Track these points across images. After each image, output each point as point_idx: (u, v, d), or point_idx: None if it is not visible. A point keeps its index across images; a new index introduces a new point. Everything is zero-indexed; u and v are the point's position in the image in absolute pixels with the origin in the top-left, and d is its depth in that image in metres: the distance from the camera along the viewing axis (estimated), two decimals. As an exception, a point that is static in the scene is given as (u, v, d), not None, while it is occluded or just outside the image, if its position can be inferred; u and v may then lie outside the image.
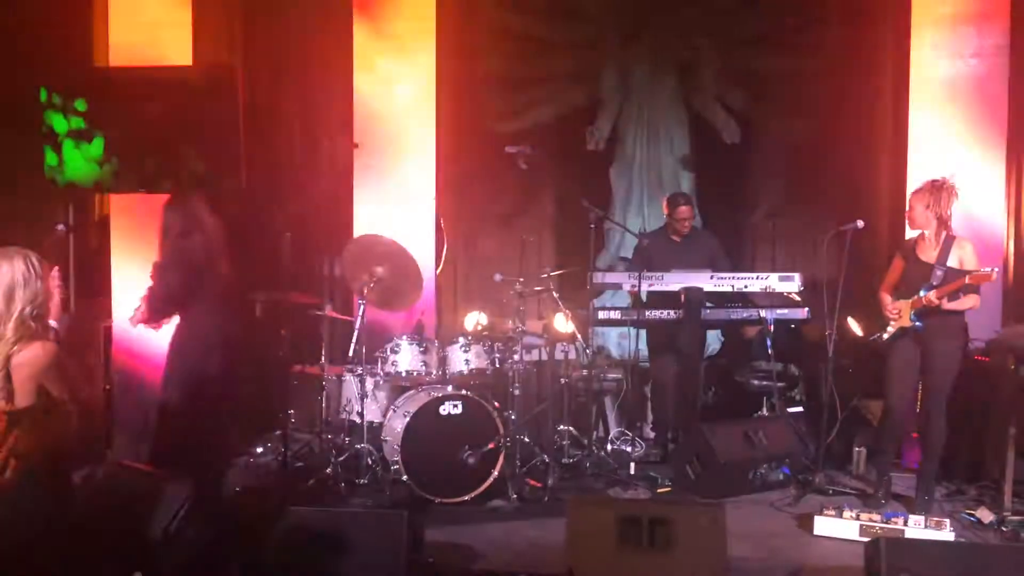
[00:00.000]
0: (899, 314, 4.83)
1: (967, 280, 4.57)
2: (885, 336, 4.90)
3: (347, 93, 6.64)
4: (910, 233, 5.12)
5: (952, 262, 4.71)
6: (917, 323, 4.74)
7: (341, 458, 5.29)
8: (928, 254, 4.79)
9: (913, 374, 4.88)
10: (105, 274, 5.94)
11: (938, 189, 4.75)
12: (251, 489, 5.19)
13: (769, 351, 5.65)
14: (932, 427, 4.82)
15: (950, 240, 4.74)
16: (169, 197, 4.60)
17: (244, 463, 5.76)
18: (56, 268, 3.49)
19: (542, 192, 7.43)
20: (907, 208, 4.88)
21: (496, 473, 5.05)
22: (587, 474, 5.45)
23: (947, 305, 4.66)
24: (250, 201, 6.69)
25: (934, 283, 4.69)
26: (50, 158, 5.73)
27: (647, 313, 5.77)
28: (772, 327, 5.67)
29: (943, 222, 4.76)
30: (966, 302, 4.70)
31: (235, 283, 4.55)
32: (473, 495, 5.00)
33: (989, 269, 4.60)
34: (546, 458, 5.36)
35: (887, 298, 4.92)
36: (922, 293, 4.70)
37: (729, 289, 5.73)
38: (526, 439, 5.44)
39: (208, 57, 6.38)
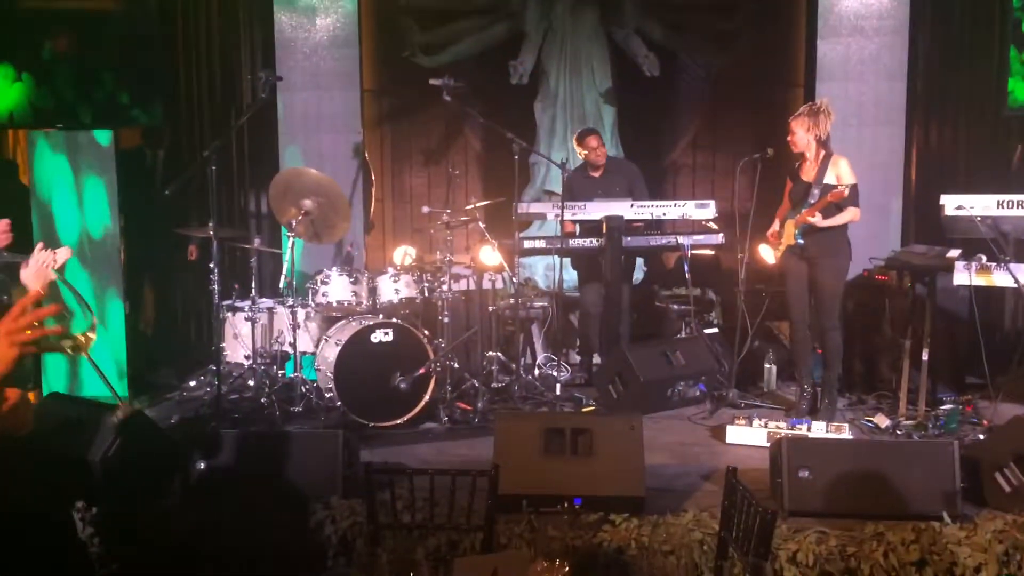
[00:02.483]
0: (785, 234, 5.10)
1: (828, 198, 4.84)
2: (775, 258, 5.17)
3: (267, 25, 6.59)
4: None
5: (829, 179, 4.95)
6: (799, 240, 5.01)
7: (275, 388, 5.41)
8: (809, 174, 5.04)
9: (806, 292, 5.15)
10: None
11: (815, 112, 4.97)
12: (186, 420, 5.28)
13: (687, 276, 5.90)
14: (827, 340, 5.13)
15: (827, 159, 4.99)
16: None
17: (178, 397, 5.84)
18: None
19: (468, 127, 7.51)
20: (789, 136, 5.03)
21: (427, 398, 5.23)
22: (515, 397, 5.66)
23: (821, 222, 4.92)
24: (172, 135, 6.65)
25: (811, 201, 4.95)
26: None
27: (570, 242, 5.96)
28: (689, 253, 5.91)
29: (821, 143, 4.99)
30: (842, 217, 4.95)
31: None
32: (405, 419, 5.18)
33: (842, 186, 4.87)
34: (475, 383, 5.55)
35: (776, 223, 5.19)
36: (801, 210, 4.98)
37: (648, 216, 5.95)
38: (456, 365, 5.62)
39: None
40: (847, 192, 4.84)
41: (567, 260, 6.32)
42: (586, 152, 6.13)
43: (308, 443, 4.13)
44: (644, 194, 6.19)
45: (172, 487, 4.06)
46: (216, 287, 5.38)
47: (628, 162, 6.46)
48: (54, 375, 5.98)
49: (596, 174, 6.18)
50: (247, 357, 5.60)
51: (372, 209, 7.05)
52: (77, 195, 5.95)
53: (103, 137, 5.96)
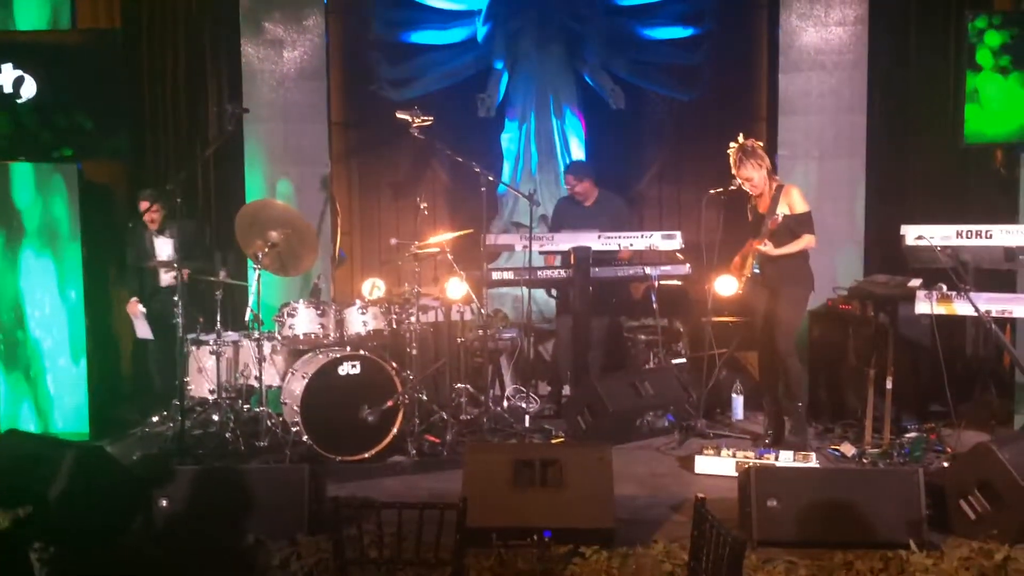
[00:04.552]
0: (745, 266, 5.15)
1: (770, 226, 4.92)
2: (739, 288, 5.21)
3: (234, 57, 6.59)
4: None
5: (782, 209, 5.01)
6: (756, 270, 5.06)
7: (240, 422, 5.33)
8: (764, 206, 5.11)
9: (768, 321, 5.18)
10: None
11: (752, 151, 5.02)
12: (149, 456, 5.18)
13: (654, 307, 5.93)
14: (786, 368, 5.16)
15: (779, 190, 5.08)
16: None
17: (140, 433, 5.73)
18: None
19: (436, 159, 7.53)
20: (745, 182, 5.02)
21: (395, 430, 5.19)
22: (484, 429, 5.63)
23: (774, 251, 4.98)
24: (138, 167, 6.60)
25: (768, 231, 5.01)
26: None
27: (538, 273, 5.98)
28: (657, 284, 5.95)
29: (771, 175, 5.09)
30: (796, 244, 5.01)
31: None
32: (373, 452, 5.13)
33: (800, 209, 4.98)
34: (444, 415, 5.52)
35: (738, 258, 5.24)
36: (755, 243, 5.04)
37: (615, 247, 5.99)
38: (424, 397, 5.59)
39: (87, 22, 6.26)
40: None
41: (543, 291, 6.35)
42: (568, 187, 6.23)
43: (273, 478, 4.08)
44: (628, 228, 6.25)
45: (133, 525, 3.97)
46: (180, 320, 5.33)
47: (614, 196, 6.51)
48: (14, 412, 5.87)
49: (587, 203, 6.26)
50: (212, 391, 5.52)
51: (339, 242, 7.02)
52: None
53: (67, 168, 5.90)
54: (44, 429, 5.87)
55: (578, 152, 7.38)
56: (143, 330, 5.95)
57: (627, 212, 6.49)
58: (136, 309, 5.92)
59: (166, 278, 5.96)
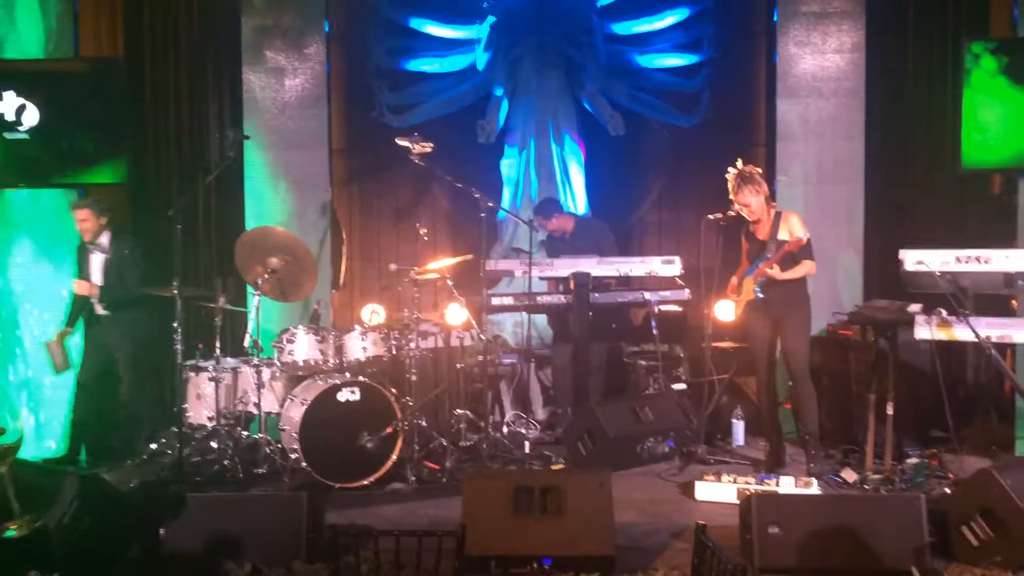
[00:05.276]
0: (744, 290, 5.16)
1: (786, 248, 4.95)
2: (736, 314, 5.22)
3: (236, 84, 6.63)
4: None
5: (783, 235, 5.05)
6: (759, 293, 5.07)
7: (239, 449, 5.31)
8: (763, 232, 5.13)
9: (769, 346, 5.20)
10: None
11: (750, 177, 5.05)
12: (147, 483, 5.15)
13: (654, 332, 5.93)
14: (798, 392, 5.17)
15: (778, 216, 5.11)
16: None
17: (138, 460, 5.71)
18: None
19: (436, 185, 7.56)
20: (743, 208, 5.05)
21: (395, 457, 5.16)
22: (484, 456, 5.59)
23: (780, 275, 5.00)
24: (139, 193, 6.63)
25: (767, 256, 5.05)
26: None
27: (538, 298, 5.98)
28: (656, 309, 5.96)
29: (769, 201, 5.12)
30: (799, 270, 5.05)
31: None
32: (372, 479, 5.10)
33: (802, 235, 4.98)
34: (444, 441, 5.49)
35: (734, 279, 5.26)
36: (758, 264, 5.05)
37: (615, 273, 6.00)
38: (424, 423, 5.57)
39: (89, 49, 6.31)
40: (806, 240, 4.95)
41: (542, 317, 6.34)
42: (541, 228, 6.35)
43: (271, 505, 4.04)
44: (613, 252, 6.26)
45: (131, 554, 3.94)
46: (179, 346, 5.32)
47: (596, 221, 6.54)
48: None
49: (567, 235, 6.28)
50: (210, 418, 5.50)
51: (345, 268, 7.03)
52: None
53: (69, 195, 5.93)
54: (37, 456, 5.84)
55: (578, 178, 7.41)
56: (59, 363, 5.59)
57: (607, 231, 6.51)
58: (56, 345, 5.54)
59: (99, 306, 5.66)
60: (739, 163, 5.10)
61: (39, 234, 6.16)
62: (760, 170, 5.15)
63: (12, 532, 1.85)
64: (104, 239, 5.63)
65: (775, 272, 4.99)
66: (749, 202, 5.05)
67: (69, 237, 5.84)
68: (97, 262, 5.68)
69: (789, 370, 5.15)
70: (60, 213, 5.95)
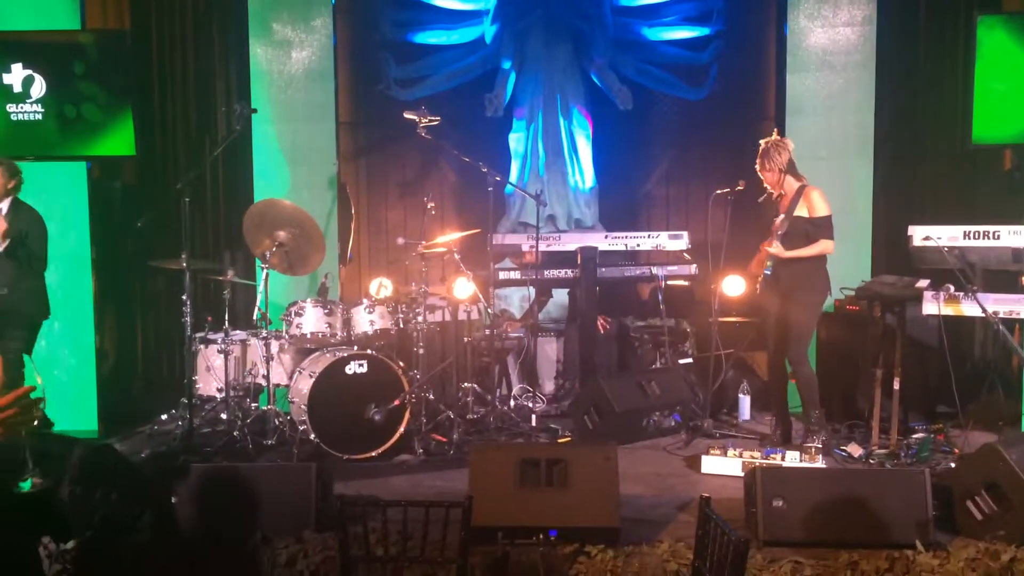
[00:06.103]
0: (755, 266, 5.14)
1: (782, 229, 4.91)
2: (756, 287, 5.20)
3: (243, 57, 6.61)
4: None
5: (800, 211, 4.98)
6: (767, 271, 5.04)
7: (248, 420, 5.35)
8: (783, 206, 5.08)
9: (778, 322, 5.14)
10: None
11: (766, 152, 4.99)
12: (157, 454, 5.21)
13: (661, 307, 5.94)
14: (797, 374, 5.14)
15: (800, 191, 5.03)
16: None
17: (149, 431, 5.76)
18: None
19: (443, 159, 7.54)
20: (773, 179, 5.00)
21: (402, 429, 5.20)
22: (491, 428, 5.64)
23: (784, 253, 4.95)
24: (147, 166, 6.64)
25: (779, 232, 5.00)
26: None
27: (545, 272, 5.98)
28: (664, 283, 5.96)
29: (793, 174, 5.03)
30: (811, 249, 4.95)
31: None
32: (380, 451, 5.14)
33: (820, 212, 4.93)
34: (451, 414, 5.53)
35: (760, 254, 5.23)
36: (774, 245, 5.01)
37: (623, 247, 5.99)
38: (431, 396, 5.60)
39: (96, 23, 6.29)
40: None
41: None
42: None
43: (281, 476, 4.09)
44: None
45: (141, 522, 3.99)
46: (188, 319, 5.35)
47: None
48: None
49: None
50: (219, 390, 5.55)
51: (352, 241, 7.04)
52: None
53: (76, 167, 5.94)
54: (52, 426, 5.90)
55: (586, 151, 7.38)
56: None
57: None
58: None
59: None
60: (774, 135, 5.05)
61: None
62: (787, 143, 5.03)
63: (27, 485, 1.89)
64: (4, 204, 5.18)
65: (775, 250, 4.95)
66: (764, 176, 5.03)
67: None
68: None
69: (788, 350, 5.09)
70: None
